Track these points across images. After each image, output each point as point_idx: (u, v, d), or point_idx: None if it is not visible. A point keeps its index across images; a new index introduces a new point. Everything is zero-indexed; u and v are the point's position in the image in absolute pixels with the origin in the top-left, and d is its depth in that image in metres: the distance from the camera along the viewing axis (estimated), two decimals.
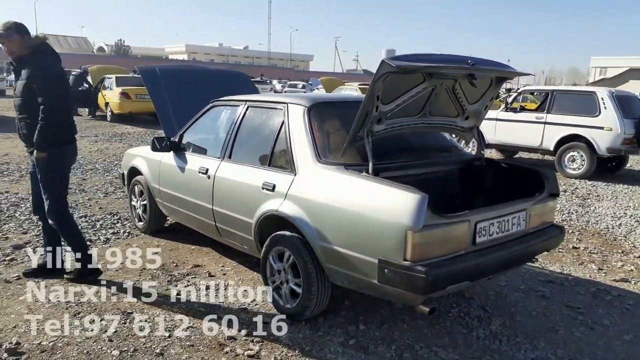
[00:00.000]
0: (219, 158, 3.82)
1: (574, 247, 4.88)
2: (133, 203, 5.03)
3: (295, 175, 3.13)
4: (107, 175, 7.53)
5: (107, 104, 14.66)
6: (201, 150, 4.17)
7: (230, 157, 3.74)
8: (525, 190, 3.24)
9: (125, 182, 5.20)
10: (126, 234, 4.88)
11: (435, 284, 2.52)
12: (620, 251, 4.91)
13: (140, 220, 4.97)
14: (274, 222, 3.24)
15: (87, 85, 15.78)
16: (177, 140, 4.30)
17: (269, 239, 3.27)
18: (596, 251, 4.86)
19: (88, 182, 7.05)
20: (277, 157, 3.35)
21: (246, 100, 3.89)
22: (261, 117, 3.74)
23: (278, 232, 3.19)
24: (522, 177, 3.50)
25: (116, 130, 13.04)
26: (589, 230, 5.62)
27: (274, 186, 3.21)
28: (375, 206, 2.65)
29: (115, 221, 5.26)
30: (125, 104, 14.05)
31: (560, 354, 2.96)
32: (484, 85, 3.38)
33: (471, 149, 8.58)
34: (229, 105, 4.06)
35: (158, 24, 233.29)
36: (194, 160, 4.09)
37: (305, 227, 2.97)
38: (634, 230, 5.64)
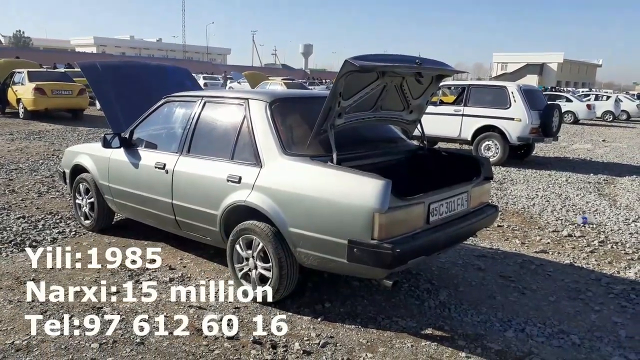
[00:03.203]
0: (176, 153, 3.89)
1: (498, 226, 5.45)
2: (78, 201, 4.92)
3: (261, 167, 3.31)
4: (35, 175, 7.18)
5: (18, 100, 13.68)
6: (155, 146, 4.20)
7: (189, 151, 3.82)
8: (464, 175, 3.66)
9: (68, 181, 5.07)
10: (73, 233, 4.78)
11: (400, 259, 2.84)
12: (537, 227, 5.57)
13: (86, 219, 4.88)
14: (240, 212, 3.40)
15: None
16: (127, 136, 4.29)
17: (236, 228, 3.43)
18: (517, 228, 5.48)
19: (16, 182, 6.70)
20: (241, 151, 3.49)
21: (203, 97, 3.99)
22: (220, 113, 3.86)
23: (247, 221, 3.35)
24: (461, 163, 3.93)
25: (32, 128, 12.27)
26: (508, 210, 6.28)
27: (240, 178, 3.37)
28: (344, 192, 2.91)
29: (57, 220, 5.12)
30: (40, 101, 13.20)
31: (500, 316, 3.41)
32: (426, 82, 3.75)
33: None
34: (184, 101, 4.12)
35: (62, 14, 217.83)
36: (148, 156, 4.11)
37: (274, 215, 3.17)
38: (546, 209, 6.37)
